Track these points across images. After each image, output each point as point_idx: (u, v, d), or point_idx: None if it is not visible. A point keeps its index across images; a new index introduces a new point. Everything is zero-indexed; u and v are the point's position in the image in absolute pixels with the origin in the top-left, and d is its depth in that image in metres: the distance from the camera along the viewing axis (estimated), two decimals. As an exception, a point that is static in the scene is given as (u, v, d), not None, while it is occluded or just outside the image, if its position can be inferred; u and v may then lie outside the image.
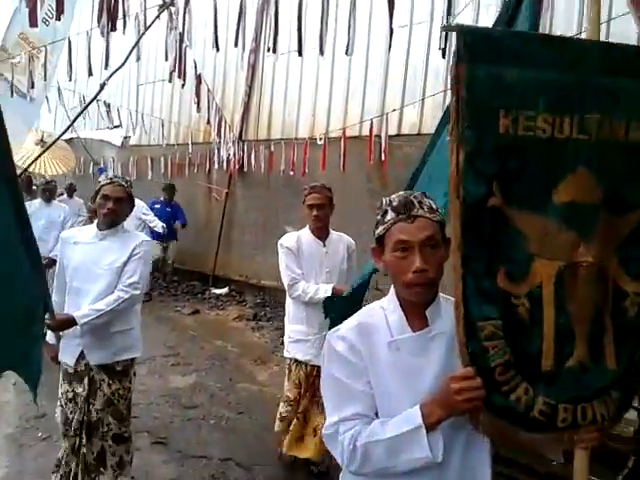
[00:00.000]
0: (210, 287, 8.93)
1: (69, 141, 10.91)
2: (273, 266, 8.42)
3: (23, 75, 5.25)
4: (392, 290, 1.54)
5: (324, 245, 3.44)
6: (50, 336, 2.89)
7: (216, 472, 3.51)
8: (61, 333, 2.79)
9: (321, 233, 3.44)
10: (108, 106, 9.02)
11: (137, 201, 8.13)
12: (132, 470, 3.43)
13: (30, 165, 6.00)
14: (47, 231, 5.97)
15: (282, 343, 6.46)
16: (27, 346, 2.34)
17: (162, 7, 4.74)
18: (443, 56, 4.41)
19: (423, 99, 6.47)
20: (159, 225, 8.12)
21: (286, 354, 3.60)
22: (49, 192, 6.59)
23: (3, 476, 3.35)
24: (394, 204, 1.45)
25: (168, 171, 9.79)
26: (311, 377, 3.42)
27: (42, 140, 8.94)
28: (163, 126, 9.63)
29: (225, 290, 8.64)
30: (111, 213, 2.84)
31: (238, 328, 7.03)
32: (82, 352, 2.81)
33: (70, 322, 2.68)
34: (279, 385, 5.09)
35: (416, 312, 1.48)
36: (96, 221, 2.95)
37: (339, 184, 7.57)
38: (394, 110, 6.56)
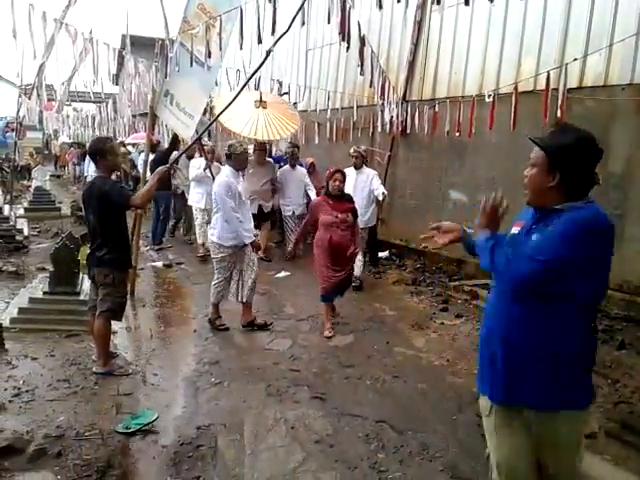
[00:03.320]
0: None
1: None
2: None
3: (201, 45, 5.59)
4: None
5: None
6: None
7: (370, 432, 3.54)
8: None
9: None
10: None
11: (299, 168, 8.47)
12: (291, 421, 3.63)
13: (215, 119, 6.30)
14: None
15: (441, 310, 6.37)
16: None
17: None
18: (639, -9, 3.78)
19: (611, 45, 5.67)
20: (314, 192, 8.33)
21: None
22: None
23: (180, 415, 3.72)
24: None
25: (333, 135, 9.97)
26: None
27: (261, 100, 8.24)
28: (328, 90, 9.74)
29: (385, 253, 8.64)
30: None
31: (397, 292, 7.01)
32: None
33: None
34: (436, 352, 5.01)
35: None
36: None
37: (508, 146, 7.05)
38: (575, 59, 5.84)
